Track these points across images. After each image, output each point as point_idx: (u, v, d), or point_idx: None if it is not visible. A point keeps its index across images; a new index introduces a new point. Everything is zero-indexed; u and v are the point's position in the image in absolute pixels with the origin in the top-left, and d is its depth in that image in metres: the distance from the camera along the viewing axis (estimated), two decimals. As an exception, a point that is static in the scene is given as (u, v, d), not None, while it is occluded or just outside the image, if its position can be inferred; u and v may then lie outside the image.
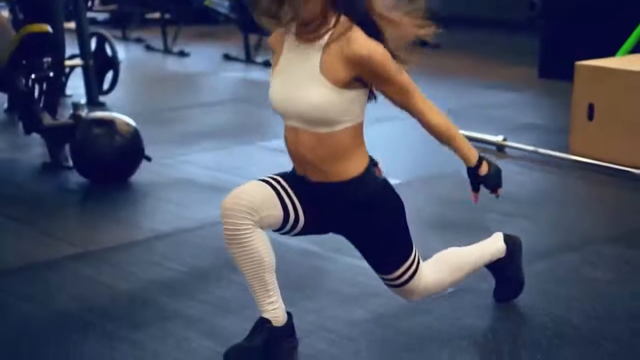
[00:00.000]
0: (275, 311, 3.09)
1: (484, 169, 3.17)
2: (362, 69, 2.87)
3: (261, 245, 2.98)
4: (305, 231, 3.10)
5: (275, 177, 3.06)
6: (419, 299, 3.29)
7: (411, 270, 3.16)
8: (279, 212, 2.99)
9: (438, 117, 3.05)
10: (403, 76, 2.98)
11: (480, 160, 3.16)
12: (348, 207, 3.03)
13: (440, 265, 3.31)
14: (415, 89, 3.01)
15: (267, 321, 3.08)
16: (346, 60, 2.86)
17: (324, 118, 2.88)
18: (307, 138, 2.94)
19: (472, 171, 3.19)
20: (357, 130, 2.98)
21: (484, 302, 3.58)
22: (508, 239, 3.53)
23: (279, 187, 3.01)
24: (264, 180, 3.03)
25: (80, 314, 3.46)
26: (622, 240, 4.28)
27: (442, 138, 3.10)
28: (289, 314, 3.15)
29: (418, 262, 3.19)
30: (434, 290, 3.29)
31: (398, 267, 3.13)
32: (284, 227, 3.04)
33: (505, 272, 3.54)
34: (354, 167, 2.99)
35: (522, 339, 3.29)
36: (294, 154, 3.03)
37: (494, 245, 3.49)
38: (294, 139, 2.99)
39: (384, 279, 3.21)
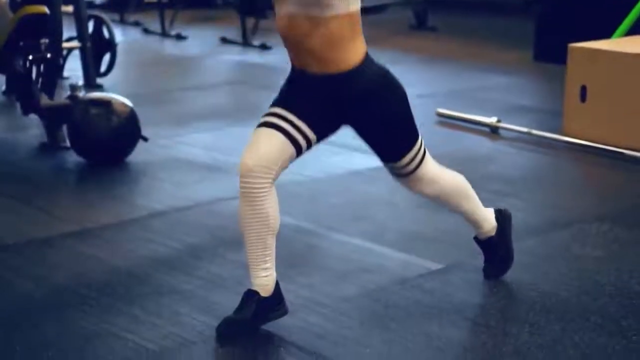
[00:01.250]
0: (267, 279, 3.17)
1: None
2: None
3: (271, 208, 3.09)
4: (320, 140, 3.20)
5: (276, 112, 3.12)
6: (424, 190, 3.39)
7: (419, 157, 3.28)
8: (292, 150, 3.11)
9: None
10: None
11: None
12: (352, 98, 3.10)
13: (452, 176, 3.46)
14: None
15: (255, 293, 3.16)
16: None
17: None
18: (301, 23, 3.00)
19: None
20: (353, 19, 3.04)
21: (473, 278, 3.64)
22: (498, 215, 3.60)
23: (283, 124, 3.09)
24: (269, 125, 3.09)
25: (77, 289, 3.53)
26: (611, 219, 4.35)
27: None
28: (276, 283, 3.21)
29: (425, 151, 3.31)
30: (440, 187, 3.40)
31: (405, 154, 3.24)
32: (300, 155, 3.16)
33: (494, 250, 3.60)
34: (352, 57, 3.06)
35: (510, 313, 3.35)
36: (290, 43, 3.08)
37: (488, 216, 3.57)
38: (288, 25, 3.05)
39: (392, 168, 3.31)
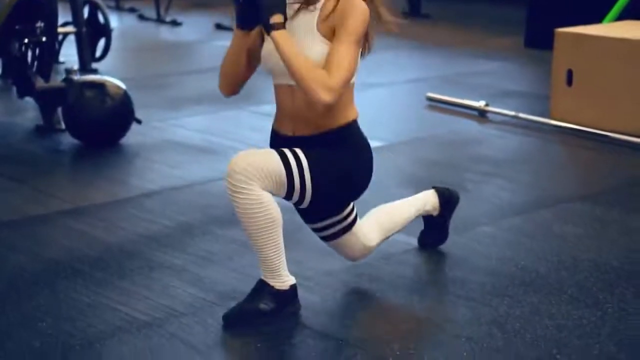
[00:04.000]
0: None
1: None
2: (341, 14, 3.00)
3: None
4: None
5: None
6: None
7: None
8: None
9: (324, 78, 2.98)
10: (352, 43, 3.00)
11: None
12: (330, 143, 3.11)
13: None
14: (344, 59, 2.97)
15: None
16: (339, 14, 3.00)
17: None
18: (304, 95, 3.02)
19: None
20: (350, 88, 3.13)
21: (456, 254, 3.74)
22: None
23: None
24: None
25: (70, 264, 3.63)
26: (593, 199, 4.45)
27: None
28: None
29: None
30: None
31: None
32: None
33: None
34: (344, 117, 3.12)
35: (490, 286, 3.45)
36: (288, 113, 3.12)
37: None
38: (289, 97, 3.10)
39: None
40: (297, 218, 4.14)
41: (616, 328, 3.12)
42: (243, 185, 2.97)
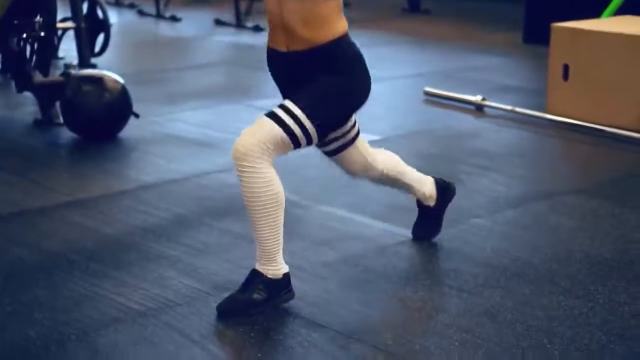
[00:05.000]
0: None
1: None
2: None
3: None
4: None
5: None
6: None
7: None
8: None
9: None
10: None
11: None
12: (322, 64, 3.14)
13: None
14: None
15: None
16: None
17: None
18: (291, 5, 3.09)
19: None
20: (338, 3, 3.14)
21: (450, 246, 3.77)
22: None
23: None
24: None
25: (66, 255, 3.66)
26: (588, 192, 4.48)
27: None
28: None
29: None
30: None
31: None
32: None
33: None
34: (334, 31, 3.14)
35: (482, 277, 3.48)
36: (278, 25, 3.16)
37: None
38: (277, 8, 3.14)
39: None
40: (291, 210, 4.18)
41: (606, 319, 3.15)
42: (251, 165, 3.06)
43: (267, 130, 3.09)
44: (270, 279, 3.16)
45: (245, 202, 3.13)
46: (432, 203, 3.76)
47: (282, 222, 3.16)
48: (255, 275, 3.17)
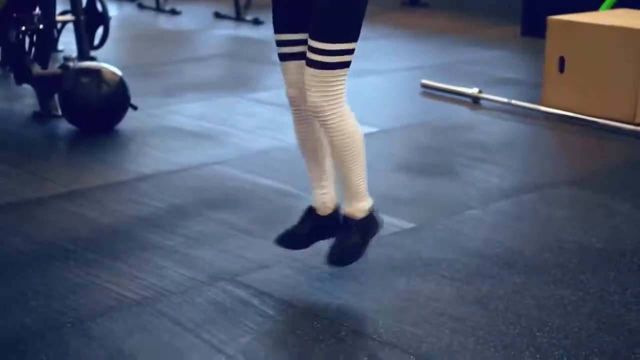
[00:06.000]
0: (324, 196, 3.42)
1: None
2: None
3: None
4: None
5: (279, 39, 3.28)
6: (326, 119, 3.19)
7: (340, 59, 3.15)
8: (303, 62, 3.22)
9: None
10: None
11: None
12: None
13: (354, 126, 3.26)
14: None
15: (314, 210, 3.43)
16: None
17: None
18: None
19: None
20: None
21: (443, 236, 3.81)
22: (373, 213, 3.42)
23: (295, 49, 3.26)
24: (283, 58, 3.29)
25: (63, 245, 3.70)
26: (580, 183, 4.51)
27: None
28: (337, 207, 3.44)
29: (348, 64, 3.20)
30: (336, 128, 3.21)
31: (332, 40, 3.12)
32: None
33: (350, 234, 3.39)
34: None
35: (474, 267, 3.52)
36: None
37: (366, 196, 3.39)
38: None
39: (311, 51, 3.15)
40: (286, 200, 4.23)
41: (596, 307, 3.19)
42: (331, 112, 3.18)
43: (323, 80, 3.16)
44: (363, 217, 3.36)
45: (335, 148, 3.25)
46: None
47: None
48: (349, 220, 3.36)
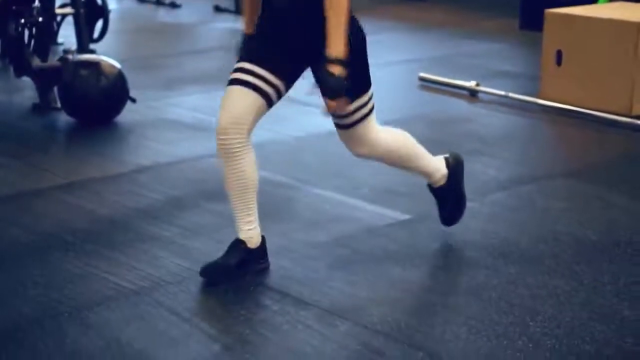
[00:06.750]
0: (251, 232, 3.36)
1: (335, 68, 3.13)
2: None
3: (248, 164, 3.28)
4: (288, 87, 3.31)
5: (242, 67, 3.26)
6: (363, 153, 3.44)
7: (363, 112, 3.33)
8: (261, 102, 3.25)
9: None
10: None
11: (341, 61, 3.13)
12: (312, 22, 3.15)
13: (394, 134, 3.51)
14: None
15: (242, 242, 3.35)
16: None
17: None
18: None
19: (324, 60, 3.14)
20: None
21: (438, 228, 3.82)
22: (450, 161, 3.72)
23: (250, 79, 3.23)
24: (238, 82, 3.25)
25: (62, 236, 3.73)
26: (577, 175, 4.54)
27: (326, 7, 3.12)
28: (262, 238, 3.41)
29: (372, 110, 3.37)
30: (380, 151, 3.45)
31: (350, 101, 3.26)
32: (271, 105, 3.31)
33: (446, 197, 3.70)
34: None
35: (469, 258, 3.55)
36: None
37: (437, 164, 3.66)
38: None
39: (335, 117, 3.33)
40: (282, 192, 4.26)
41: (589, 298, 3.22)
42: (375, 152, 3.48)
43: (358, 137, 3.41)
44: (446, 182, 3.69)
45: (392, 164, 3.58)
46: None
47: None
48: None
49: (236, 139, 3.25)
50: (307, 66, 3.33)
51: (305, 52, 3.26)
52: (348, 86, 3.16)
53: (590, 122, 5.48)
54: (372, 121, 3.40)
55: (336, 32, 3.09)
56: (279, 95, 3.31)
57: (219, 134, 3.27)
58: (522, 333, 2.95)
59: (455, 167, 3.72)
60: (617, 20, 5.60)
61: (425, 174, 3.64)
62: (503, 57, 7.40)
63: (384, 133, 3.47)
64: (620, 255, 3.58)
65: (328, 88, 3.15)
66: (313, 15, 3.15)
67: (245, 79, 3.26)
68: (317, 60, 3.19)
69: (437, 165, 3.67)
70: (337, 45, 3.09)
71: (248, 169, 3.28)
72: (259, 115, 3.30)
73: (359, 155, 3.51)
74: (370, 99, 3.37)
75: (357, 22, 3.29)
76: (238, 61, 3.33)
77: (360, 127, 3.36)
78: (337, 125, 3.40)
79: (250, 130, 3.29)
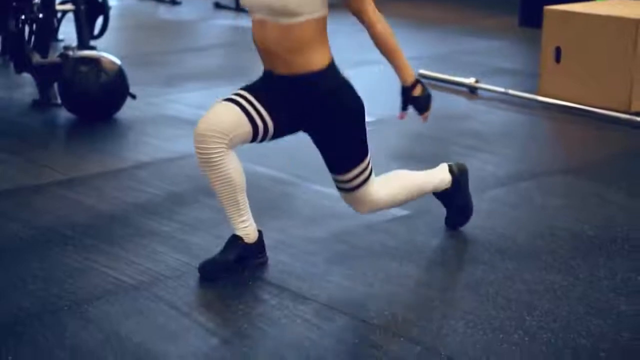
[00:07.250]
0: (247, 229, 3.37)
1: (417, 91, 3.37)
2: None
3: (232, 168, 3.25)
4: (277, 134, 3.34)
5: (240, 92, 3.29)
6: (367, 211, 3.52)
7: (364, 176, 3.39)
8: (248, 128, 3.24)
9: (384, 26, 3.28)
10: None
11: (416, 82, 3.37)
12: (312, 99, 3.24)
13: (391, 184, 3.55)
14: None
15: (239, 238, 3.37)
16: None
17: (285, 8, 3.10)
18: (273, 30, 3.17)
19: (406, 90, 3.37)
20: (320, 25, 3.19)
21: (437, 224, 3.84)
22: (453, 168, 3.74)
23: (244, 103, 3.24)
24: (230, 100, 3.27)
25: (62, 231, 3.74)
26: (575, 172, 4.56)
27: (384, 48, 3.31)
28: (259, 233, 3.43)
29: (371, 171, 3.42)
30: (383, 205, 3.53)
31: (352, 169, 3.35)
32: (255, 139, 3.29)
33: (453, 200, 3.75)
34: (317, 60, 3.21)
35: (467, 253, 3.57)
36: (261, 47, 3.26)
37: (439, 175, 3.69)
38: (260, 31, 3.22)
39: (337, 181, 3.43)
40: (281, 188, 4.27)
41: (586, 292, 3.24)
42: (380, 207, 3.53)
43: (360, 198, 3.46)
44: (450, 187, 3.73)
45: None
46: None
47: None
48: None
49: (215, 149, 3.22)
50: (301, 129, 3.38)
51: (303, 120, 3.32)
52: (347, 153, 3.37)
53: (589, 118, 5.50)
54: (372, 183, 3.45)
55: (402, 66, 3.35)
56: (265, 134, 3.29)
57: (196, 141, 3.25)
58: (519, 327, 2.97)
59: (459, 176, 3.74)
60: (616, 17, 5.62)
61: (435, 190, 3.70)
62: (502, 54, 7.42)
63: (382, 188, 3.50)
64: (617, 251, 3.60)
65: (421, 107, 3.41)
66: (310, 96, 3.24)
67: (239, 100, 3.27)
68: (314, 129, 3.33)
69: (440, 177, 3.70)
70: (408, 75, 3.36)
71: (233, 173, 3.26)
72: (241, 137, 3.25)
73: (364, 213, 3.58)
74: (369, 163, 3.42)
75: (355, 91, 3.34)
76: (240, 88, 3.34)
77: (361, 190, 3.43)
78: (340, 189, 3.46)
79: (230, 144, 3.23)
